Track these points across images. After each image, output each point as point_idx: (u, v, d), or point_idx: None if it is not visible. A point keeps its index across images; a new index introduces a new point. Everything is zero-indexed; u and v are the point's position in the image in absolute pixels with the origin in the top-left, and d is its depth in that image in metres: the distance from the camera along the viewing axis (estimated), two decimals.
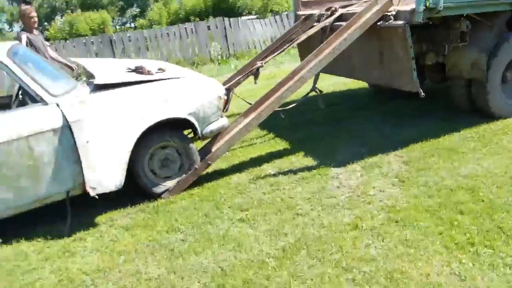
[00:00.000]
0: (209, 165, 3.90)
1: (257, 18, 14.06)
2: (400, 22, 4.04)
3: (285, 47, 5.04)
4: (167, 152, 3.75)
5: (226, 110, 4.38)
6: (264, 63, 4.76)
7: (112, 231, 3.30)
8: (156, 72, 3.86)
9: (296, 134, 5.04)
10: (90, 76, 3.87)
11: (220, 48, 12.20)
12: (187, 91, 3.76)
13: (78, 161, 3.26)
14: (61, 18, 23.85)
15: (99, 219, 3.51)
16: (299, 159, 4.26)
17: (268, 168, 4.14)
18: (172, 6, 20.82)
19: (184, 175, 3.80)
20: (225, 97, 4.09)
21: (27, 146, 3.13)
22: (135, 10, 30.48)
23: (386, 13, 4.18)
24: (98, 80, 3.51)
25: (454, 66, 4.62)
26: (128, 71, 3.84)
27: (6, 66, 3.22)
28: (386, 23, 4.15)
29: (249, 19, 13.52)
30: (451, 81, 4.89)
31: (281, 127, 5.23)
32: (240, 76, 4.88)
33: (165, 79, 3.76)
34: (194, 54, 12.08)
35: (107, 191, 3.41)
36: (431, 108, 5.28)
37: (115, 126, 3.38)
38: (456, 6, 4.03)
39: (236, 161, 4.43)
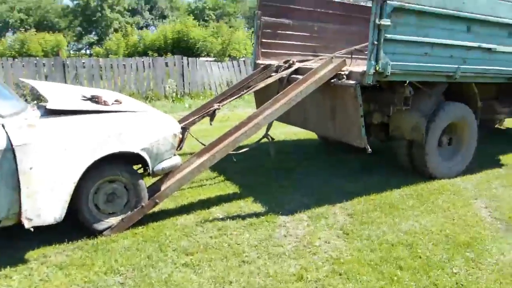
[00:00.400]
0: (156, 203, 3.79)
1: (215, 60, 14.37)
2: (352, 82, 4.32)
3: (242, 92, 5.17)
4: (115, 186, 3.59)
5: (180, 149, 4.34)
6: (221, 105, 4.83)
7: (43, 269, 3.06)
8: (112, 103, 3.77)
9: (246, 179, 5.07)
10: (42, 99, 3.70)
11: (176, 86, 12.24)
12: (142, 126, 3.67)
13: (16, 188, 3.03)
14: (13, 35, 22.97)
15: (30, 254, 3.25)
16: (248, 205, 4.27)
17: (217, 211, 4.10)
18: (132, 38, 20.77)
19: (129, 212, 3.66)
20: (180, 136, 4.05)
21: None
22: (93, 37, 30.11)
23: (339, 72, 4.46)
24: (50, 105, 3.35)
25: (397, 127, 4.96)
26: (83, 99, 3.73)
27: None
28: (339, 81, 4.42)
29: (207, 60, 13.78)
30: (394, 141, 5.22)
31: (232, 171, 5.25)
32: (196, 116, 4.91)
33: (121, 111, 3.68)
34: (148, 89, 12.01)
35: (45, 224, 3.17)
36: (376, 164, 5.58)
37: (64, 154, 3.20)
38: (401, 73, 4.38)
39: (184, 202, 4.36)
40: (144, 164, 3.74)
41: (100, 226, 3.54)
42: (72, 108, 3.42)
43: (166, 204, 4.16)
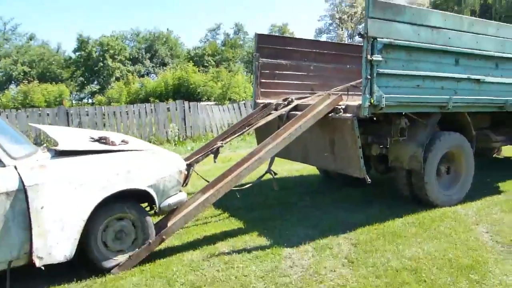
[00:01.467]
0: (163, 240, 3.86)
1: (215, 104, 14.73)
2: (348, 115, 4.51)
3: (244, 130, 5.35)
4: (123, 224, 3.67)
5: (186, 185, 4.45)
6: (224, 143, 5.00)
7: None
8: (119, 143, 3.93)
9: (250, 214, 5.14)
10: (53, 142, 3.86)
11: (178, 130, 12.51)
12: (149, 163, 3.80)
13: (28, 228, 3.11)
14: (16, 87, 23.63)
15: None
16: (253, 238, 4.33)
17: (222, 246, 4.15)
18: (133, 86, 21.34)
19: (136, 250, 3.72)
20: (186, 172, 4.17)
21: None
22: (95, 86, 30.88)
23: (336, 106, 4.66)
24: (61, 146, 3.50)
25: (395, 157, 5.09)
26: (91, 141, 3.89)
27: None
28: (337, 115, 4.61)
29: (208, 104, 14.13)
30: (393, 172, 5.34)
31: (236, 207, 5.33)
32: (200, 154, 5.05)
33: (127, 150, 3.83)
34: (151, 134, 12.27)
35: (55, 262, 3.23)
36: (377, 195, 5.67)
37: (74, 192, 3.31)
38: (395, 105, 4.57)
39: (190, 238, 4.41)
40: (151, 201, 3.83)
41: (108, 264, 3.59)
42: (81, 148, 3.58)
43: (172, 241, 4.22)
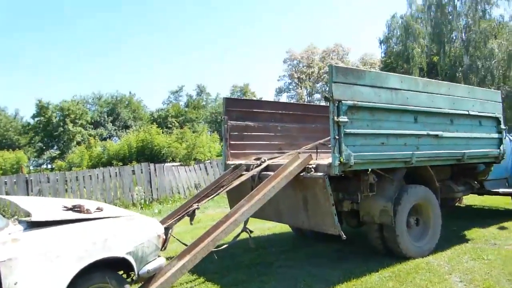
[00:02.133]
0: None
1: (181, 165, 14.66)
2: (320, 174, 4.65)
3: (217, 192, 5.36)
4: None
5: (164, 249, 4.35)
6: (200, 205, 4.98)
7: None
8: (95, 211, 3.84)
9: (226, 278, 5.02)
10: (24, 214, 3.72)
11: (144, 192, 12.25)
12: (126, 230, 3.72)
13: None
14: None
15: None
16: None
17: None
18: (95, 150, 20.95)
19: None
20: (164, 236, 4.09)
21: None
22: (54, 151, 30.02)
23: (307, 166, 4.81)
24: (35, 217, 3.37)
25: (366, 212, 5.24)
26: (65, 209, 3.78)
27: None
28: (308, 174, 4.75)
29: (173, 165, 14.04)
30: (366, 226, 5.46)
31: (211, 271, 5.20)
32: (175, 217, 5.00)
33: (103, 218, 3.74)
34: (116, 197, 11.93)
35: None
36: (352, 249, 5.72)
37: (50, 265, 3.16)
38: (363, 162, 4.78)
39: None
40: (129, 268, 3.71)
41: None
42: (56, 219, 3.46)
43: None
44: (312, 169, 4.78)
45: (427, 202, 5.56)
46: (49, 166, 28.83)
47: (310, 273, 4.94)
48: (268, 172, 5.16)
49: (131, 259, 3.62)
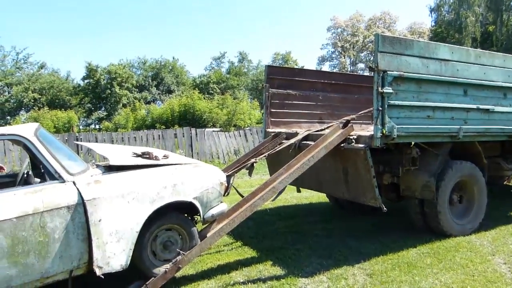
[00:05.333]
0: (179, 269, 3.84)
1: (221, 130, 14.87)
2: (361, 145, 4.57)
3: (260, 156, 5.44)
4: (170, 234, 3.87)
5: (227, 195, 4.62)
6: (258, 159, 5.25)
7: None
8: (162, 158, 4.07)
9: (263, 243, 5.14)
10: (101, 159, 4.09)
11: (185, 156, 12.58)
12: (193, 176, 3.97)
13: (86, 240, 3.29)
14: (26, 114, 24.00)
15: None
16: (267, 268, 4.32)
17: (237, 276, 4.15)
18: (140, 112, 21.60)
19: (153, 278, 3.72)
20: (226, 183, 4.33)
21: (41, 221, 3.13)
22: (102, 113, 31.21)
23: (348, 137, 4.73)
24: (112, 162, 3.69)
25: (407, 187, 5.11)
26: (134, 156, 4.07)
27: (33, 144, 3.38)
28: (349, 145, 4.67)
29: (214, 131, 14.26)
30: (405, 201, 5.35)
31: (248, 236, 5.34)
32: (234, 168, 5.29)
33: (171, 164, 4.00)
34: None
35: (113, 271, 3.40)
36: (389, 224, 5.65)
37: (127, 206, 3.47)
38: (406, 135, 4.63)
39: (204, 267, 4.41)
40: (194, 212, 3.99)
41: (156, 271, 3.74)
42: (130, 163, 3.77)
43: (186, 270, 4.22)
44: (353, 140, 4.69)
45: (473, 179, 5.34)
46: (97, 127, 30.10)
47: (345, 245, 4.96)
48: (308, 142, 5.12)
49: (197, 203, 3.90)
